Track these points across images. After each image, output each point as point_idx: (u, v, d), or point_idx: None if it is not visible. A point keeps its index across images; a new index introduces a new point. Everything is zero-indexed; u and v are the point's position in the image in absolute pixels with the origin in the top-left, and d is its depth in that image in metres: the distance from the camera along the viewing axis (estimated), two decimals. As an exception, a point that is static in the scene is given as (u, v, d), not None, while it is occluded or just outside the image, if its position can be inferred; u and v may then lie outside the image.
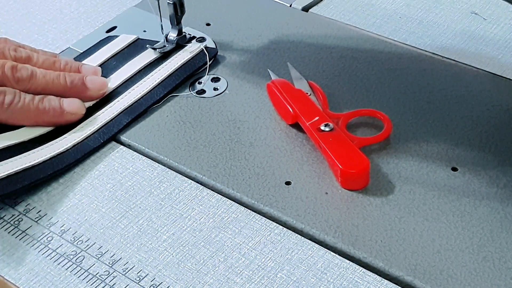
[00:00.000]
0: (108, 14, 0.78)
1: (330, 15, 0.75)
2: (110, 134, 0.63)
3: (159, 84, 0.68)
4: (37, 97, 0.63)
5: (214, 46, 0.71)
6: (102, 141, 0.63)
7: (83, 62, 0.70)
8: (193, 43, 0.72)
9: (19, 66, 0.63)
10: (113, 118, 0.64)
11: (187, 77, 0.69)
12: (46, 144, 0.62)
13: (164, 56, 0.70)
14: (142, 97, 0.66)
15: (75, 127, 0.64)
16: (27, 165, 0.60)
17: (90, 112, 0.65)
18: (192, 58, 0.70)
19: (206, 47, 0.71)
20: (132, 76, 0.69)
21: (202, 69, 0.70)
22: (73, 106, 0.64)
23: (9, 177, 0.59)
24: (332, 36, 0.72)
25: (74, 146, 0.62)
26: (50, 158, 0.61)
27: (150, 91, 0.67)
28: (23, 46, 0.67)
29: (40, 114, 0.62)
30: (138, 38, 0.73)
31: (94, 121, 0.64)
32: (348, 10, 0.76)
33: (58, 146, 0.62)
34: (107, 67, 0.70)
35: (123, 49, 0.72)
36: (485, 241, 0.52)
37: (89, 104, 0.66)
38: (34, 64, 0.65)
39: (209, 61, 0.70)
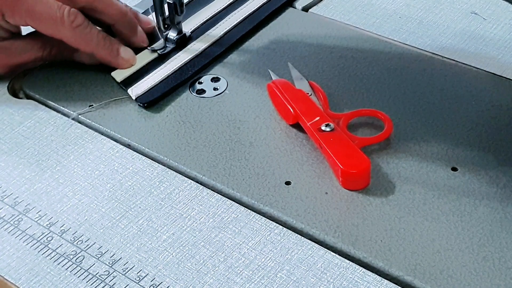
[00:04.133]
0: (108, 14, 0.78)
1: (330, 15, 0.75)
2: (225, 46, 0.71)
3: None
4: (103, 33, 0.68)
5: None
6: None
7: None
8: None
9: None
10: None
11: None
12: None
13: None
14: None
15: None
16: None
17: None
18: None
19: None
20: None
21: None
22: (127, 53, 0.69)
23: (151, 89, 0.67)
24: (332, 36, 0.72)
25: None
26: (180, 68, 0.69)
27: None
28: None
29: (99, 46, 0.68)
30: None
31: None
32: (348, 10, 0.76)
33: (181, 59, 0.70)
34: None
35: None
36: (485, 241, 0.53)
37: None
38: None
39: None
